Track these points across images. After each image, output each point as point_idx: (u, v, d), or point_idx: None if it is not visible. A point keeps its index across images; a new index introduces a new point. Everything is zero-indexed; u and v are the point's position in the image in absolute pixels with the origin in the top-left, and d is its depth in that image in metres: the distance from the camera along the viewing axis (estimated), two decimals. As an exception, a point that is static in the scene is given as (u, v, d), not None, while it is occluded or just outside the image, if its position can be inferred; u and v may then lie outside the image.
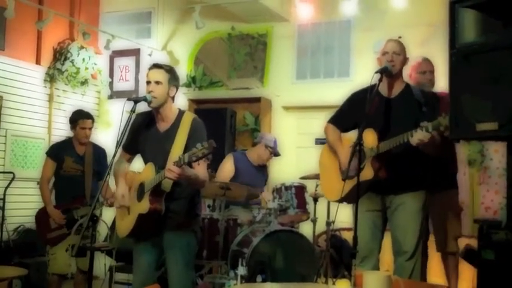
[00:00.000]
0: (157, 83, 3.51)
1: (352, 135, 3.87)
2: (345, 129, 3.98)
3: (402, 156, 3.62)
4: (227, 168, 5.56)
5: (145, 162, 3.62)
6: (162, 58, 7.36)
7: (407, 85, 3.86)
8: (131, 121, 3.57)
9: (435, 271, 4.81)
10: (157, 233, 3.55)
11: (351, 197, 3.63)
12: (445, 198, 4.39)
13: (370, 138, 3.62)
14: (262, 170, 5.79)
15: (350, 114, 3.88)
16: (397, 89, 3.82)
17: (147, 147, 3.63)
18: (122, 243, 4.27)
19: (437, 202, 4.38)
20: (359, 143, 3.42)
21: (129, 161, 3.80)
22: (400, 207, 3.73)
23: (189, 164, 3.29)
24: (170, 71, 3.58)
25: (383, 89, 3.82)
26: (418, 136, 3.39)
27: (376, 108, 3.69)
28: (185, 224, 3.56)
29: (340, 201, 3.78)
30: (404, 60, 3.82)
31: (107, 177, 3.45)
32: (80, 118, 5.10)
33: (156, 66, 3.59)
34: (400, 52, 3.79)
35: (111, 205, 4.92)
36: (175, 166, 3.19)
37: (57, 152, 5.14)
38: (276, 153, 5.70)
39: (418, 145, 3.42)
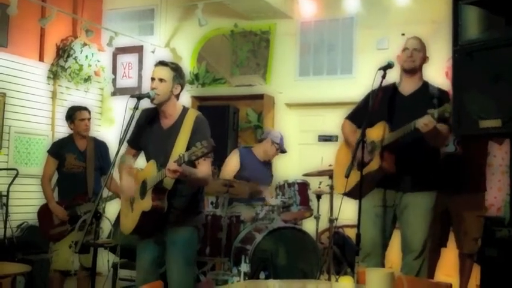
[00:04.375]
0: (161, 80, 3.50)
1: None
2: (360, 125, 3.97)
3: (412, 152, 3.63)
4: (232, 163, 5.56)
5: (148, 158, 3.62)
6: (165, 55, 7.35)
7: (425, 83, 3.87)
8: (137, 116, 3.57)
9: (448, 270, 4.83)
10: (160, 230, 3.56)
11: (357, 191, 3.62)
12: (468, 199, 4.41)
13: (381, 131, 3.63)
14: (269, 165, 5.79)
15: (365, 112, 3.86)
16: (414, 86, 3.85)
17: (150, 144, 3.63)
18: (126, 239, 4.28)
19: (460, 203, 4.39)
20: (362, 139, 3.44)
21: (135, 156, 3.79)
22: (411, 205, 3.74)
23: (191, 163, 3.29)
24: (176, 69, 3.56)
25: (401, 86, 3.86)
26: (424, 120, 3.41)
27: (381, 103, 3.71)
28: (187, 221, 3.56)
29: (347, 194, 3.78)
30: (424, 57, 3.85)
31: (110, 172, 3.46)
32: (76, 111, 5.13)
33: (161, 63, 3.57)
34: (420, 49, 3.83)
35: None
36: (176, 165, 3.20)
37: (59, 150, 5.15)
38: (282, 150, 5.68)
39: (424, 130, 3.43)
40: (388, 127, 3.66)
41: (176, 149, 3.41)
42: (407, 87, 3.86)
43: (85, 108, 5.18)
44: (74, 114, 5.12)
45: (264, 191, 5.46)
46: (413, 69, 3.82)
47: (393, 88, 3.87)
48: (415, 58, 3.80)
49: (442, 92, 3.79)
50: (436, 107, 3.53)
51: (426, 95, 3.76)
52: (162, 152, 3.48)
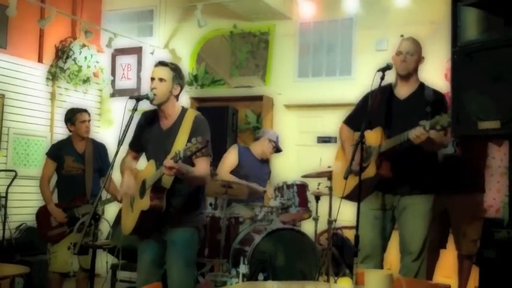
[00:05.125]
0: (160, 80, 3.50)
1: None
2: (357, 128, 3.95)
3: (409, 157, 3.62)
4: (231, 158, 5.60)
5: (149, 160, 3.63)
6: (164, 56, 7.34)
7: (421, 85, 3.84)
8: (137, 119, 3.57)
9: (447, 271, 4.82)
10: (160, 230, 3.56)
11: (355, 195, 3.63)
12: (467, 200, 4.40)
13: (377, 137, 3.62)
14: (266, 164, 5.82)
15: (363, 114, 3.85)
16: (410, 89, 3.82)
17: (150, 145, 3.64)
18: (125, 241, 4.28)
19: (458, 204, 4.39)
20: (361, 141, 3.43)
21: (136, 159, 3.80)
22: (409, 207, 3.74)
23: (188, 160, 3.29)
24: (175, 69, 3.58)
25: (396, 89, 3.84)
26: (415, 132, 3.40)
27: (378, 105, 3.70)
28: (187, 221, 3.56)
29: (345, 198, 3.78)
30: (419, 59, 3.81)
31: (109, 173, 3.45)
32: (77, 113, 5.12)
33: (161, 63, 3.59)
34: (414, 52, 3.77)
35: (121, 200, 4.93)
36: (172, 161, 3.19)
37: (57, 152, 5.14)
38: (278, 149, 5.73)
39: (416, 142, 3.43)
40: (384, 133, 3.65)
41: (175, 148, 3.40)
42: (403, 90, 3.83)
43: (85, 110, 5.18)
44: (75, 116, 5.11)
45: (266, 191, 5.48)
46: (407, 74, 3.79)
47: (390, 90, 3.85)
48: (409, 62, 3.76)
49: (437, 95, 3.77)
50: (429, 114, 3.52)
51: (421, 99, 3.73)
52: (162, 152, 3.47)
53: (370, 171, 3.62)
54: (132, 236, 3.67)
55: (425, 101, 3.70)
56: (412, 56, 3.77)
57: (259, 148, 5.71)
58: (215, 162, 5.28)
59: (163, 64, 3.58)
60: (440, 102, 3.72)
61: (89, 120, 5.17)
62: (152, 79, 3.54)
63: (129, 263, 5.07)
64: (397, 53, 3.81)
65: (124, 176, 3.65)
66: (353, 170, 3.51)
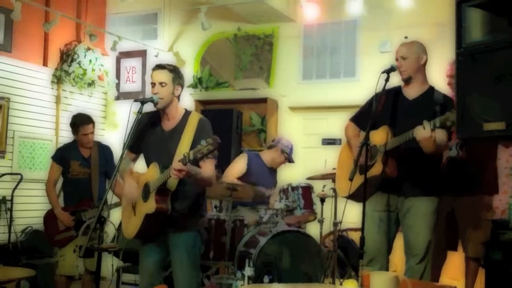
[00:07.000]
0: (162, 84, 3.51)
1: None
2: (364, 127, 3.95)
3: (414, 158, 3.62)
4: (239, 166, 5.55)
5: (149, 161, 3.61)
6: (168, 59, 7.36)
7: (431, 88, 3.84)
8: (137, 121, 3.58)
9: (454, 273, 4.81)
10: (163, 233, 3.56)
11: (359, 194, 3.63)
12: (472, 203, 4.38)
13: (384, 135, 3.62)
14: (274, 172, 5.79)
15: (369, 113, 3.85)
16: (419, 90, 3.82)
17: (152, 147, 3.63)
18: (129, 244, 4.28)
19: (463, 206, 4.37)
20: (366, 143, 3.43)
21: (134, 160, 3.80)
22: (412, 209, 3.74)
23: (196, 162, 3.29)
24: (174, 70, 3.58)
25: (405, 91, 3.85)
26: (420, 128, 3.41)
27: (385, 107, 3.71)
28: (190, 224, 3.57)
29: (350, 197, 3.77)
30: (418, 62, 3.80)
31: (115, 177, 3.46)
32: (80, 124, 5.07)
33: (159, 67, 3.58)
34: (407, 56, 3.78)
35: None
36: (181, 164, 3.19)
37: (63, 156, 5.14)
38: (290, 160, 5.69)
39: (419, 138, 3.43)
40: (390, 132, 3.66)
41: (180, 149, 3.41)
42: (411, 92, 3.84)
43: (89, 121, 5.11)
44: (78, 128, 5.07)
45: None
46: (408, 78, 3.81)
47: (398, 91, 3.86)
48: (405, 67, 3.77)
49: (446, 99, 3.77)
50: (438, 115, 3.52)
51: (430, 101, 3.73)
52: (165, 153, 3.48)
53: (377, 169, 3.62)
54: (135, 240, 3.68)
55: (434, 102, 3.70)
56: (406, 60, 3.77)
57: (269, 157, 5.66)
58: (219, 166, 5.28)
59: (162, 67, 3.57)
60: (450, 106, 3.72)
61: (92, 132, 5.12)
62: (153, 84, 3.54)
63: (133, 265, 5.08)
64: (396, 59, 3.83)
65: (125, 182, 3.64)
66: (360, 165, 3.51)
